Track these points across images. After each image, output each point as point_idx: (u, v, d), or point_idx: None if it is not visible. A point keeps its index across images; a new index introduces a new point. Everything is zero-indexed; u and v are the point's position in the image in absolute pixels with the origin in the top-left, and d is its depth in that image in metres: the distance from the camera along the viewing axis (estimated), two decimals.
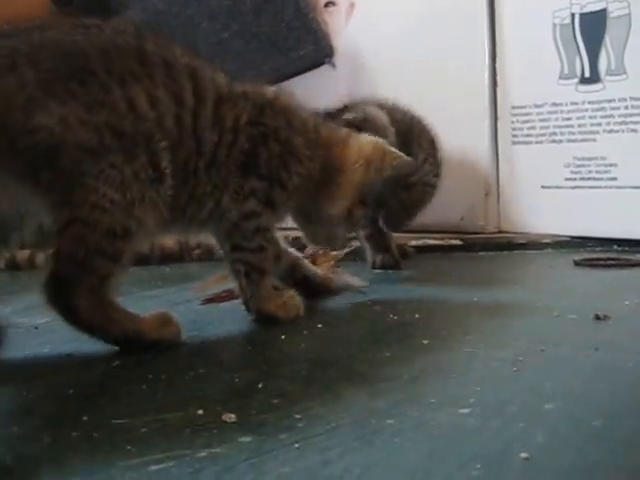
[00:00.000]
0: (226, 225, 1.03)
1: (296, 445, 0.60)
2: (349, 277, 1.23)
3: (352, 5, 1.93)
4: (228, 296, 1.18)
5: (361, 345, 0.91)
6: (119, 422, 0.67)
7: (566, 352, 0.85)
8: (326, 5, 1.97)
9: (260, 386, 0.75)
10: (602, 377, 0.76)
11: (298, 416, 0.66)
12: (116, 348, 0.91)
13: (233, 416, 0.66)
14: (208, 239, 1.11)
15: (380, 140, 1.16)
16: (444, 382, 0.75)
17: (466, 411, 0.66)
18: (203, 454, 0.59)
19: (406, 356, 0.85)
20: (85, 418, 0.68)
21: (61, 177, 0.85)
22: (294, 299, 1.05)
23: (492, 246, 1.67)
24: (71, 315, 0.87)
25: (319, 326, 1.00)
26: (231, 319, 1.07)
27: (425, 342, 0.89)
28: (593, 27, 1.58)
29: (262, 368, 0.82)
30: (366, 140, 1.14)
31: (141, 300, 1.26)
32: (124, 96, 0.89)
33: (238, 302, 1.10)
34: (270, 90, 1.08)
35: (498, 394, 0.70)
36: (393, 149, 1.16)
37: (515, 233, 1.72)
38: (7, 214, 0.90)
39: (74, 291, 0.87)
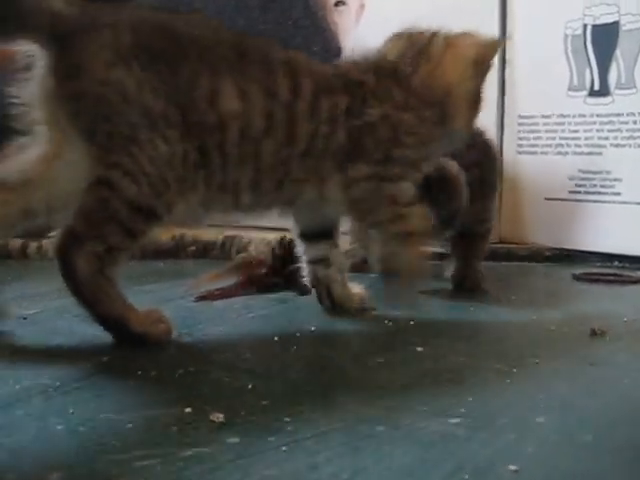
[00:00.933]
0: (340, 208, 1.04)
1: (284, 448, 0.59)
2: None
3: (362, 6, 1.92)
4: (221, 294, 1.18)
5: (354, 350, 0.90)
6: (105, 417, 0.66)
7: (560, 366, 0.84)
8: (336, 4, 1.97)
9: (250, 387, 0.75)
10: (596, 392, 0.75)
11: (287, 419, 0.65)
12: (106, 342, 0.90)
13: (221, 416, 0.65)
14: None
15: (469, 36, 1.14)
16: (436, 391, 0.74)
17: (457, 421, 0.65)
18: (189, 453, 0.58)
19: (399, 363, 0.84)
20: (71, 411, 0.67)
21: (112, 137, 0.86)
22: None
23: (491, 256, 1.66)
24: (68, 274, 0.87)
25: (312, 329, 1.00)
26: (223, 318, 1.06)
27: (419, 349, 0.89)
28: (605, 39, 1.58)
29: (253, 369, 0.81)
30: (459, 48, 1.11)
31: (134, 295, 1.23)
32: (209, 86, 0.91)
33: (231, 300, 1.10)
34: (370, 78, 1.05)
35: (490, 405, 0.70)
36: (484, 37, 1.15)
37: (515, 244, 1.71)
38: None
39: (79, 250, 0.86)
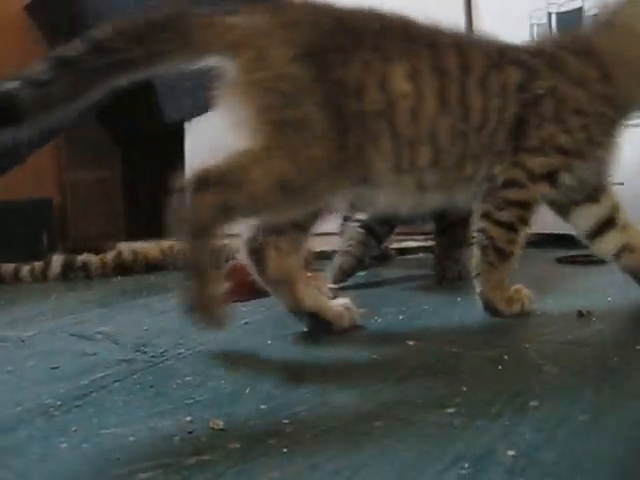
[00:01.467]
0: (485, 189, 1.03)
1: (285, 450, 0.60)
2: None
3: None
4: None
5: (347, 349, 0.91)
6: (108, 432, 0.67)
7: (550, 349, 0.85)
8: None
9: (247, 392, 0.76)
10: (586, 372, 0.76)
11: (286, 421, 0.66)
12: (102, 359, 0.91)
13: (221, 423, 0.66)
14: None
15: None
16: (431, 383, 0.75)
17: (453, 411, 0.66)
18: (192, 461, 0.59)
19: (392, 358, 0.85)
20: (74, 429, 0.68)
21: (289, 122, 0.91)
22: (520, 293, 1.03)
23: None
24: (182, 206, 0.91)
25: (304, 330, 1.01)
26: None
27: (410, 343, 0.90)
28: (570, 26, 1.59)
29: (248, 374, 0.82)
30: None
31: (127, 310, 1.26)
32: (380, 70, 0.95)
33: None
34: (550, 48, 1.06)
35: (484, 393, 0.71)
36: None
37: None
38: None
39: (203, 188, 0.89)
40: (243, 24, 0.93)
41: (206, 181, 0.88)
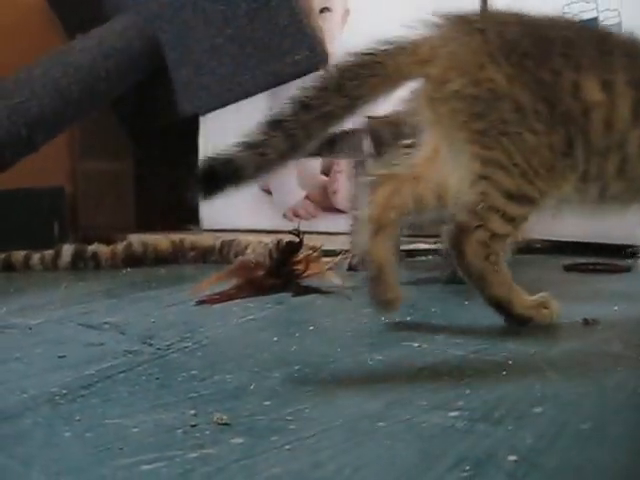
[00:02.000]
0: None
1: (287, 447, 0.60)
2: (337, 280, 1.23)
3: (347, 11, 1.94)
4: (220, 298, 1.19)
5: (353, 348, 0.91)
6: (112, 422, 0.67)
7: (555, 356, 0.85)
8: (321, 11, 1.98)
9: (252, 387, 0.76)
10: (591, 381, 0.76)
11: (290, 418, 0.67)
12: (109, 349, 0.92)
13: (225, 417, 0.66)
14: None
15: None
16: (435, 385, 0.75)
17: (456, 414, 0.66)
18: (194, 455, 0.59)
19: (398, 359, 0.85)
20: (78, 418, 0.68)
21: (486, 133, 0.95)
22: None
23: None
24: (460, 262, 0.97)
25: (311, 328, 1.01)
26: (224, 321, 1.08)
27: (416, 345, 0.90)
28: None
29: (254, 370, 0.82)
30: None
31: (135, 301, 1.27)
32: (572, 79, 0.97)
33: (231, 303, 1.11)
34: None
35: (487, 397, 0.71)
36: None
37: None
38: None
39: (467, 240, 0.96)
40: (431, 41, 0.99)
41: (467, 227, 0.96)
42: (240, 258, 1.42)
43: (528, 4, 1.65)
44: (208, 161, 0.95)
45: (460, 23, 1.01)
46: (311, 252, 1.28)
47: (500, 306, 0.98)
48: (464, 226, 0.96)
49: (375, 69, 0.98)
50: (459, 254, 0.96)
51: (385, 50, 0.99)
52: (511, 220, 0.96)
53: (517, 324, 0.98)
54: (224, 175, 0.93)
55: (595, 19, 1.58)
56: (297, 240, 1.25)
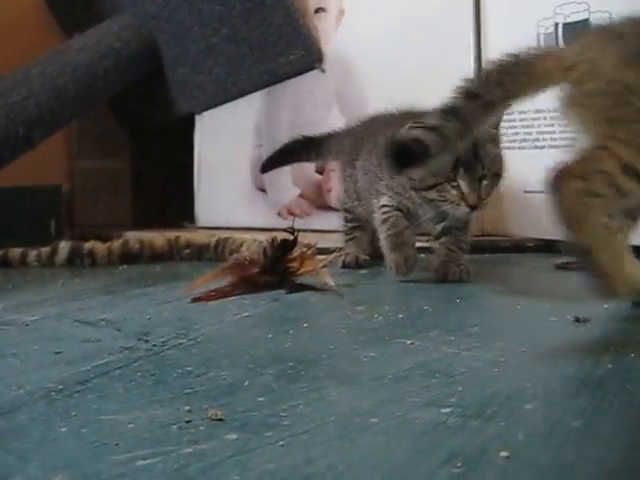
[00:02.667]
0: None
1: (281, 443, 0.61)
2: (329, 279, 1.25)
3: (342, 11, 1.95)
4: (215, 295, 1.20)
5: (346, 345, 0.92)
6: (107, 418, 0.68)
7: (547, 353, 0.86)
8: (316, 11, 1.99)
9: (246, 384, 0.77)
10: (582, 378, 0.77)
11: (283, 414, 0.67)
12: (105, 345, 0.92)
13: (219, 413, 0.67)
14: None
15: None
16: (427, 382, 0.76)
17: (448, 410, 0.67)
18: (189, 450, 0.60)
19: (391, 356, 0.86)
20: (74, 414, 0.69)
21: (617, 121, 0.99)
22: None
23: (475, 249, 1.69)
24: (555, 201, 1.00)
25: (305, 325, 1.02)
26: (219, 318, 1.08)
27: (409, 342, 0.91)
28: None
29: (248, 366, 0.83)
30: None
31: (131, 298, 1.27)
32: None
33: (226, 301, 1.12)
34: None
35: (479, 394, 0.72)
36: None
37: (498, 236, 1.74)
38: None
39: (565, 183, 0.99)
40: (573, 49, 1.06)
41: (569, 173, 0.99)
42: (235, 256, 1.42)
43: (520, 5, 1.68)
44: (399, 138, 1.09)
45: (602, 32, 1.10)
46: (306, 250, 1.29)
47: (581, 253, 1.00)
48: (569, 171, 1.00)
49: (527, 69, 1.05)
50: (554, 192, 1.00)
51: (536, 54, 1.07)
52: (618, 189, 0.99)
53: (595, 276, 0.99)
54: (415, 151, 1.04)
55: (586, 20, 1.58)
56: (291, 238, 1.27)
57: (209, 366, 0.84)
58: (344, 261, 1.51)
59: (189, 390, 0.75)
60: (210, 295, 1.20)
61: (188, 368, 0.83)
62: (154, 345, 0.93)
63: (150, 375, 0.81)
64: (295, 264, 1.28)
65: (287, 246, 1.28)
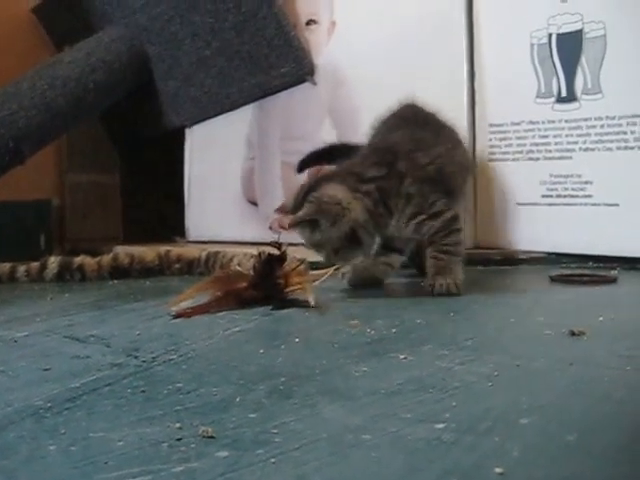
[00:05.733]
0: None
1: (272, 460, 0.60)
2: (311, 296, 1.23)
3: (333, 24, 1.95)
4: (196, 311, 1.19)
5: (338, 360, 0.91)
6: (96, 436, 0.67)
7: (541, 367, 0.85)
8: (308, 23, 1.99)
9: (237, 400, 0.76)
10: (577, 392, 0.76)
11: (275, 431, 0.67)
12: (95, 362, 0.92)
13: (210, 430, 0.66)
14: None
15: None
16: (421, 397, 0.75)
17: (442, 426, 0.66)
18: (180, 469, 0.59)
19: (383, 371, 0.85)
20: (63, 431, 0.68)
21: None
22: None
23: (468, 261, 1.69)
24: None
25: (297, 340, 1.01)
26: (210, 333, 1.07)
27: (402, 357, 0.90)
28: (570, 47, 1.61)
29: (239, 382, 0.82)
30: None
31: (121, 313, 1.26)
32: None
33: (217, 315, 1.11)
34: None
35: (473, 409, 0.71)
36: None
37: (491, 249, 1.74)
38: None
39: None
40: None
41: None
42: (219, 270, 1.42)
43: (513, 17, 1.68)
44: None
45: None
46: (297, 264, 1.28)
47: None
48: None
49: None
50: None
51: None
52: None
53: None
54: None
55: (580, 31, 1.59)
56: (278, 252, 1.26)
57: (200, 382, 0.83)
58: (357, 279, 1.48)
59: (179, 407, 0.74)
60: (189, 312, 1.19)
61: (178, 384, 0.82)
62: (144, 361, 0.92)
63: (140, 392, 0.80)
64: (283, 280, 1.27)
65: (276, 260, 1.27)
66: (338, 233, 1.32)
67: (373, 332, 1.04)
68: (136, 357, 0.95)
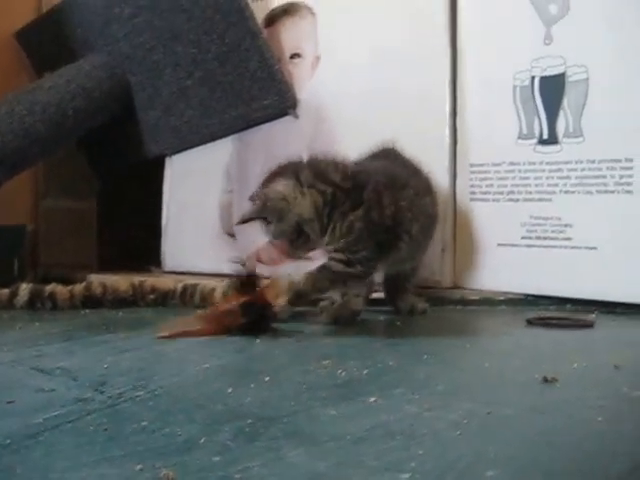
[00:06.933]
0: None
1: None
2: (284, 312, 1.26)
3: (317, 58, 1.95)
4: (180, 334, 1.19)
5: (307, 402, 0.89)
6: (55, 476, 0.65)
7: (512, 415, 0.84)
8: (292, 57, 1.99)
9: (202, 441, 0.74)
10: (546, 443, 0.75)
11: (238, 476, 0.65)
12: (58, 396, 0.90)
13: (171, 474, 0.64)
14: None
15: None
16: (387, 444, 0.74)
17: (407, 476, 0.65)
18: None
19: (352, 415, 0.84)
20: (19, 471, 0.66)
21: None
22: None
23: (446, 300, 1.68)
24: None
25: (267, 379, 0.99)
26: (180, 369, 1.06)
27: (372, 400, 0.89)
28: (552, 90, 1.61)
29: (205, 422, 0.81)
30: None
31: (91, 345, 1.24)
32: None
33: (188, 351, 1.10)
34: None
35: (440, 459, 0.70)
36: None
37: (470, 289, 1.73)
38: None
39: None
40: None
41: None
42: (211, 307, 1.41)
43: (497, 57, 1.69)
44: None
45: None
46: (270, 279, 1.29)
47: None
48: None
49: None
50: None
51: None
52: None
53: None
54: None
55: (562, 75, 1.59)
56: (246, 271, 1.27)
57: (165, 421, 0.81)
58: (337, 315, 1.46)
59: (142, 447, 0.73)
60: (175, 334, 1.19)
61: (143, 423, 0.80)
62: (109, 397, 0.91)
63: (103, 430, 0.78)
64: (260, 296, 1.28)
65: (249, 283, 1.28)
66: (286, 227, 1.36)
67: (344, 373, 1.03)
68: (102, 392, 0.93)
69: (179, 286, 1.65)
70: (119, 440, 0.75)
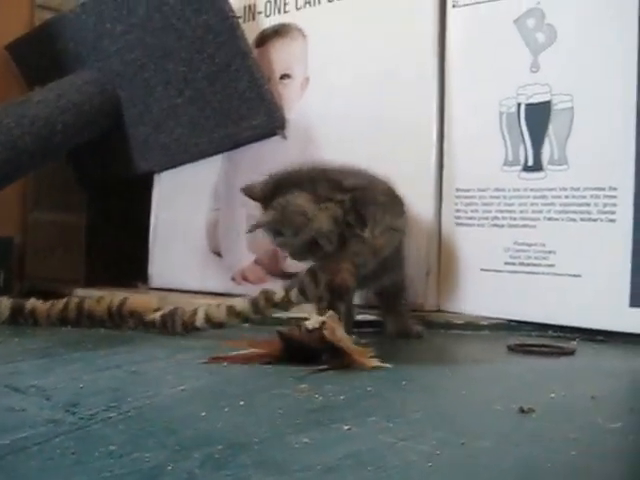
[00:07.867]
0: None
1: None
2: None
3: (307, 79, 1.95)
4: (236, 359, 1.19)
5: (280, 428, 0.88)
6: None
7: (486, 447, 0.83)
8: (282, 77, 1.99)
9: (169, 468, 0.73)
10: (519, 476, 0.75)
11: None
12: (27, 417, 0.89)
13: None
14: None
15: None
16: (358, 475, 0.73)
17: None
18: None
19: (324, 443, 0.83)
20: None
21: None
22: None
23: (430, 324, 1.68)
24: None
25: (241, 404, 0.98)
26: (155, 391, 1.05)
27: (346, 428, 0.88)
28: (537, 118, 1.62)
29: (175, 448, 0.80)
30: None
31: (68, 362, 1.23)
32: None
33: (164, 372, 1.09)
34: None
35: None
36: None
37: (453, 313, 1.73)
38: None
39: None
40: None
41: None
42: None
43: (484, 84, 1.69)
44: None
45: None
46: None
47: None
48: None
49: None
50: None
51: None
52: None
53: None
54: None
55: (548, 102, 1.60)
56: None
57: (134, 445, 0.80)
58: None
59: (108, 473, 0.71)
60: (232, 357, 1.19)
61: (112, 447, 0.79)
62: (81, 418, 0.90)
63: (70, 453, 0.77)
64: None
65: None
66: (300, 242, 1.34)
67: (321, 398, 1.02)
68: (74, 413, 0.92)
69: (158, 316, 1.58)
70: (85, 465, 0.74)
